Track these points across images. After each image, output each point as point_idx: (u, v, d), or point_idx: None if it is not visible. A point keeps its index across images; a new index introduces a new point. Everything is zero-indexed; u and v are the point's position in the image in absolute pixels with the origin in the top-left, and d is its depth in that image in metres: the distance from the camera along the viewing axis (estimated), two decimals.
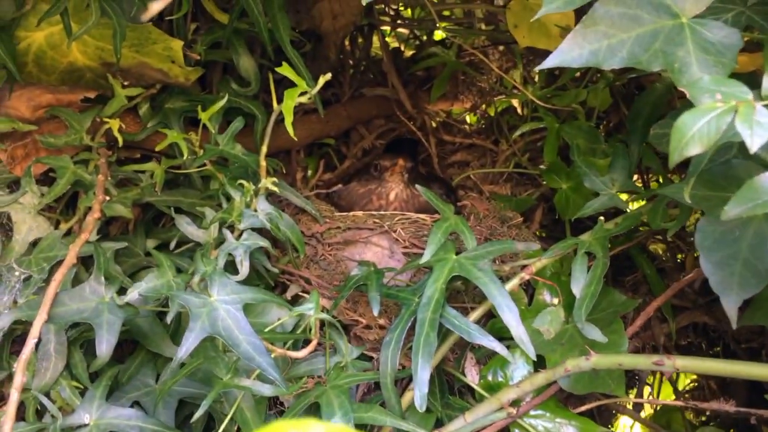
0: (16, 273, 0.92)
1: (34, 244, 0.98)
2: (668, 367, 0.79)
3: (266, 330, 0.92)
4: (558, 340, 0.98)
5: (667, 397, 1.47)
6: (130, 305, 0.88)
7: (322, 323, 0.97)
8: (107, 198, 0.98)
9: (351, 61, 1.51)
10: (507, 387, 0.95)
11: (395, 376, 0.90)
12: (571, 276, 0.93)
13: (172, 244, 1.06)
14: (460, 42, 1.41)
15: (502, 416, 0.92)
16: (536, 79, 1.43)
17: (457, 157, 1.53)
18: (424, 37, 1.59)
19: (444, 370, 1.02)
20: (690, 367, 0.81)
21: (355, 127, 1.51)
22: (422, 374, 0.84)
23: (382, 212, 1.18)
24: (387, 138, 1.55)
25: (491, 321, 1.05)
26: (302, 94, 0.92)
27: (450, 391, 1.03)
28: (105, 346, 0.86)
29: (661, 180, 1.30)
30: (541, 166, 1.34)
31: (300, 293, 1.11)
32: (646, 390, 1.40)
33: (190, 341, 0.79)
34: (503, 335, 0.92)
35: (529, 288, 1.11)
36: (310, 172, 1.40)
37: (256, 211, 0.96)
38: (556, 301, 1.01)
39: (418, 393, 0.84)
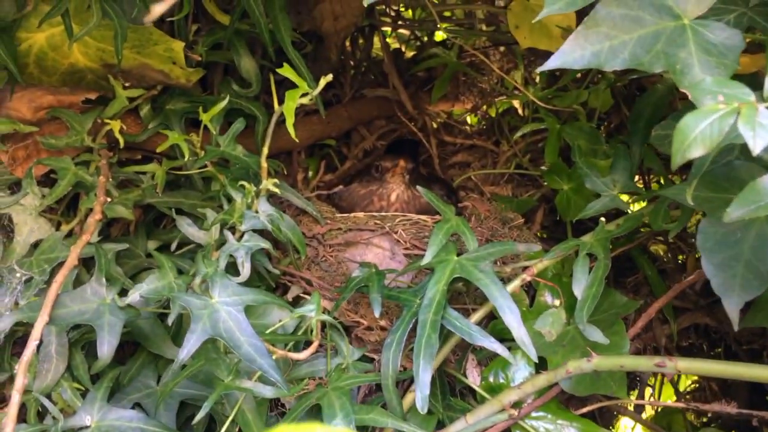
0: (18, 274, 0.92)
1: (36, 245, 0.98)
2: (670, 369, 0.79)
3: (267, 331, 0.92)
4: (559, 342, 0.98)
5: (669, 398, 1.47)
6: (131, 307, 0.88)
7: (324, 325, 0.97)
8: (108, 199, 0.98)
9: (352, 62, 1.51)
10: (508, 388, 0.95)
11: (396, 378, 0.90)
12: (573, 277, 0.93)
13: (173, 246, 1.06)
14: (461, 43, 1.41)
15: (503, 418, 0.92)
16: (537, 80, 1.43)
17: (458, 158, 1.53)
18: (425, 38, 1.59)
19: (445, 371, 1.02)
20: (692, 368, 0.81)
21: (356, 128, 1.51)
22: (424, 376, 0.84)
23: (383, 213, 1.18)
24: (388, 139, 1.55)
25: (492, 322, 1.05)
26: (303, 95, 0.92)
27: (451, 392, 1.03)
28: (106, 347, 0.85)
29: (662, 181, 1.30)
30: (543, 168, 1.34)
31: (301, 294, 1.10)
32: (648, 391, 1.40)
33: (191, 343, 0.79)
34: (504, 337, 0.92)
35: (530, 289, 1.11)
36: (311, 173, 1.40)
37: (257, 212, 0.96)
38: (557, 302, 1.01)
39: (420, 395, 0.84)
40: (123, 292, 0.89)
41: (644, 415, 1.40)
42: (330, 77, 0.91)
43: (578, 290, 0.92)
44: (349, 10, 1.24)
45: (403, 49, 1.63)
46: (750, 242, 0.72)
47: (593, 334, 0.91)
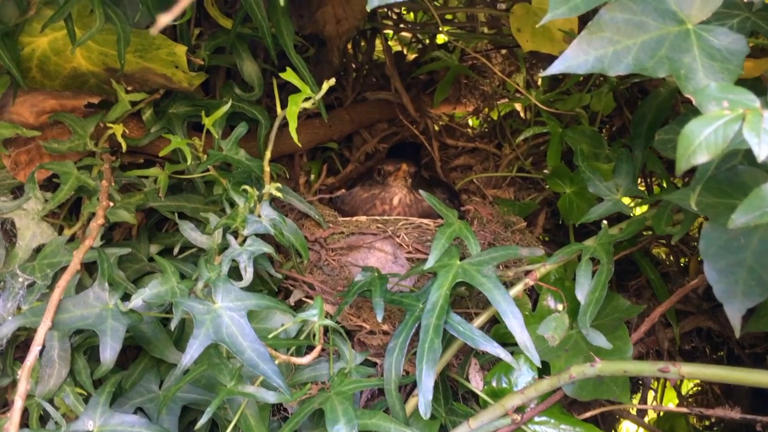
0: (20, 279, 0.92)
1: (38, 250, 0.98)
2: (673, 374, 0.79)
3: (270, 336, 0.92)
4: (562, 346, 0.97)
5: (671, 400, 1.47)
6: (133, 311, 0.88)
7: (326, 329, 0.97)
8: (111, 204, 0.98)
9: (354, 65, 1.51)
10: (511, 393, 0.94)
11: (399, 383, 0.90)
12: (576, 282, 0.92)
13: (176, 250, 1.06)
14: (463, 46, 1.41)
15: (506, 423, 0.92)
16: (539, 83, 1.43)
17: (460, 161, 1.53)
18: (427, 41, 1.59)
19: (448, 376, 1.02)
20: (695, 373, 0.81)
21: (358, 131, 1.51)
22: (426, 381, 0.84)
23: (385, 217, 1.18)
24: (390, 142, 1.55)
25: (495, 326, 1.05)
26: (306, 99, 0.92)
27: (454, 397, 1.03)
28: (109, 352, 0.85)
29: (664, 184, 1.30)
30: (545, 171, 1.34)
31: (303, 298, 1.10)
32: (650, 394, 1.39)
33: (194, 348, 0.79)
34: (507, 341, 0.92)
35: (532, 293, 1.11)
36: (313, 177, 1.40)
37: (259, 216, 0.96)
38: (560, 307, 1.01)
39: (423, 400, 0.84)
40: (125, 297, 0.89)
41: (647, 419, 1.40)
42: (332, 81, 0.91)
43: (581, 295, 0.92)
44: (351, 14, 1.23)
45: (405, 52, 1.63)
46: (753, 248, 0.72)
47: (596, 339, 0.91)
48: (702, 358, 1.38)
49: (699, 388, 1.48)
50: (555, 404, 0.95)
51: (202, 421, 0.82)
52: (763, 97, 0.55)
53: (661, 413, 1.39)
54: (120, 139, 1.01)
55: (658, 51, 0.65)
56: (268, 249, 0.94)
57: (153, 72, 1.04)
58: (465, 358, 1.04)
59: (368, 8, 0.67)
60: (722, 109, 0.54)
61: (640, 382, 1.33)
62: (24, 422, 0.86)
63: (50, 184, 1.05)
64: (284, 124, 0.94)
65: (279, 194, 1.00)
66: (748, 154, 0.54)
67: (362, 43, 1.53)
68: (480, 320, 0.97)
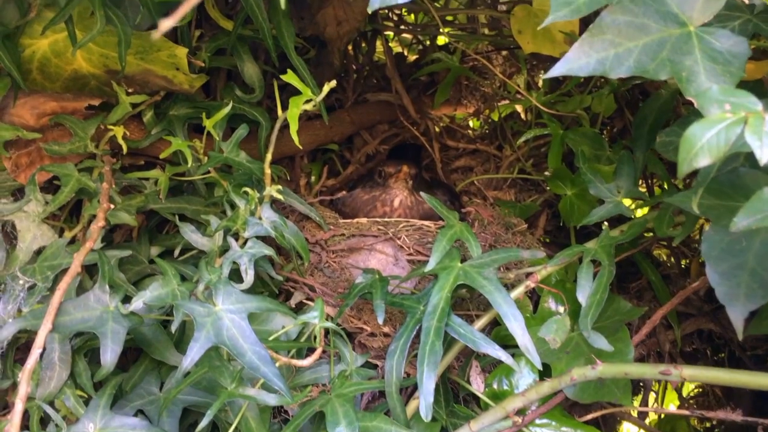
0: (21, 281, 0.92)
1: (39, 252, 0.98)
2: (675, 376, 0.79)
3: (271, 338, 0.92)
4: (563, 349, 0.97)
5: (672, 401, 1.47)
6: (134, 314, 0.88)
7: (327, 331, 0.96)
8: (111, 206, 0.97)
9: (354, 67, 1.50)
10: (512, 395, 0.94)
11: (400, 385, 0.90)
12: (577, 284, 0.92)
13: (177, 251, 1.06)
14: (464, 47, 1.41)
15: (507, 425, 0.92)
16: (540, 84, 1.43)
17: (461, 163, 1.53)
18: (428, 42, 1.59)
19: (449, 378, 1.02)
20: (697, 376, 0.81)
21: (358, 133, 1.51)
22: (427, 384, 0.84)
23: (386, 219, 1.18)
24: (391, 143, 1.55)
25: (496, 329, 1.05)
26: (307, 101, 0.92)
27: (455, 399, 1.02)
28: (110, 355, 0.85)
29: (665, 186, 1.30)
30: (546, 173, 1.34)
31: (304, 300, 1.10)
32: (651, 396, 1.39)
33: (194, 351, 0.79)
34: (508, 343, 0.92)
35: (533, 294, 1.11)
36: (313, 178, 1.40)
37: (260, 219, 0.96)
38: (561, 309, 1.01)
39: (424, 403, 0.84)
40: (126, 299, 0.89)
41: (648, 420, 1.39)
42: (333, 83, 0.91)
43: (582, 297, 0.91)
44: (351, 15, 1.23)
45: (406, 53, 1.63)
46: (755, 251, 0.72)
47: (598, 341, 0.91)
48: (703, 360, 1.38)
49: (700, 390, 1.48)
50: (556, 406, 0.95)
51: (203, 423, 0.81)
52: (764, 99, 0.55)
53: (662, 415, 1.39)
54: (121, 141, 1.01)
55: (659, 53, 0.65)
56: (269, 251, 0.94)
57: (154, 74, 1.04)
58: (466, 360, 1.04)
59: (369, 10, 0.67)
60: (724, 112, 0.54)
61: (641, 384, 1.33)
62: (24, 425, 0.86)
63: (51, 186, 1.05)
64: (285, 126, 0.94)
65: (280, 196, 1.00)
66: (750, 157, 0.54)
67: (363, 45, 1.53)
68: (481, 322, 0.97)
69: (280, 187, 1.00)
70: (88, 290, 0.89)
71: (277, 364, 0.83)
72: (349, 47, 1.45)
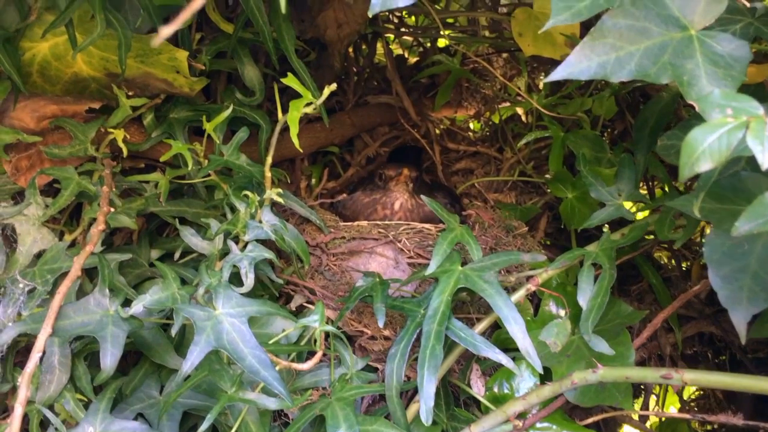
0: (21, 285, 0.91)
1: (39, 255, 0.97)
2: (676, 380, 0.79)
3: (271, 341, 0.91)
4: (564, 352, 0.97)
5: (673, 404, 1.46)
6: (134, 318, 0.88)
7: (327, 334, 0.96)
8: (112, 209, 0.97)
9: (355, 69, 1.50)
10: (513, 399, 0.94)
11: (401, 388, 0.90)
12: (578, 287, 0.92)
13: (177, 254, 1.06)
14: (464, 50, 1.41)
15: (508, 429, 0.91)
16: (541, 86, 1.43)
17: (462, 165, 1.53)
18: (428, 45, 1.58)
19: (449, 381, 1.02)
20: (698, 380, 0.80)
21: (359, 135, 1.50)
22: (428, 388, 0.84)
23: (386, 222, 1.18)
24: (391, 146, 1.55)
25: (497, 332, 1.05)
26: (307, 104, 0.91)
27: (455, 402, 1.02)
28: (110, 359, 0.85)
29: (666, 188, 1.30)
30: (547, 175, 1.34)
31: (305, 304, 1.10)
32: (652, 399, 1.39)
33: (195, 355, 0.79)
34: (509, 346, 0.92)
35: (534, 297, 1.11)
36: (314, 181, 1.40)
37: (261, 222, 0.96)
38: (562, 312, 1.01)
39: (424, 406, 0.84)
40: (126, 303, 0.89)
41: (649, 423, 1.39)
42: (334, 86, 0.91)
43: (583, 300, 0.91)
44: (352, 18, 1.23)
45: (407, 55, 1.63)
46: (757, 254, 0.71)
47: (598, 345, 0.91)
48: (704, 363, 1.38)
49: (701, 392, 1.47)
50: (557, 410, 0.95)
51: (203, 427, 0.81)
52: (766, 103, 0.55)
53: (663, 418, 1.38)
54: (121, 144, 1.01)
55: (661, 57, 0.65)
56: (269, 255, 0.94)
57: (154, 77, 1.04)
58: (467, 363, 1.04)
59: (370, 14, 0.67)
60: (726, 117, 0.54)
61: (642, 387, 1.32)
62: (24, 428, 0.86)
63: (51, 190, 1.05)
64: (285, 129, 0.93)
65: (280, 199, 1.00)
66: (751, 160, 0.54)
67: (363, 47, 1.53)
68: (482, 326, 0.97)
69: (280, 190, 0.99)
70: (88, 294, 0.89)
71: (277, 368, 0.83)
72: (350, 50, 1.45)
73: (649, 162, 1.03)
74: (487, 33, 1.49)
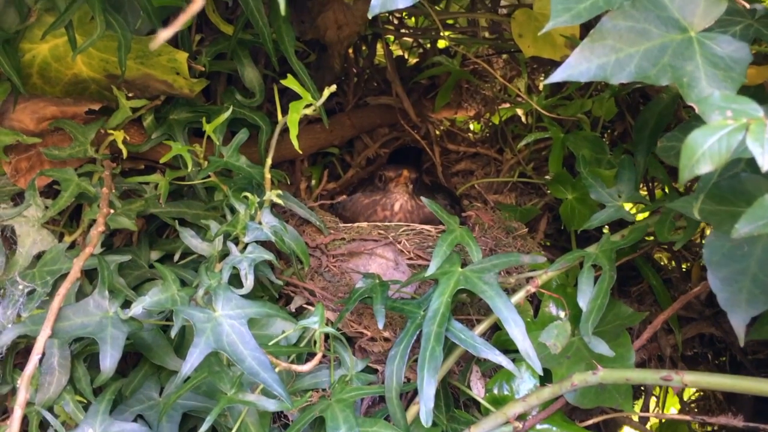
0: (20, 286, 0.91)
1: (38, 257, 0.97)
2: (676, 382, 0.79)
3: (271, 343, 0.91)
4: (564, 354, 0.97)
5: (673, 405, 1.46)
6: (134, 319, 0.88)
7: (327, 336, 0.96)
8: (111, 211, 0.97)
9: (355, 70, 1.50)
10: (513, 401, 0.94)
11: (400, 390, 0.90)
12: (578, 289, 0.92)
13: (177, 256, 1.06)
14: (464, 51, 1.41)
15: (508, 430, 0.91)
16: (541, 88, 1.43)
17: (462, 166, 1.53)
18: (428, 46, 1.58)
19: (449, 383, 1.02)
20: (698, 382, 0.80)
21: (359, 136, 1.50)
22: (428, 390, 0.84)
23: (386, 223, 1.18)
24: (391, 147, 1.55)
25: (497, 333, 1.05)
26: (307, 106, 0.91)
27: (455, 404, 1.02)
28: (109, 361, 0.85)
29: (666, 190, 1.30)
30: (547, 177, 1.34)
31: (304, 305, 1.10)
32: (652, 400, 1.39)
33: (194, 357, 0.79)
34: (509, 347, 0.92)
35: (534, 299, 1.11)
36: (314, 182, 1.40)
37: (260, 223, 0.96)
38: (562, 314, 1.00)
39: (424, 408, 0.83)
40: (126, 304, 0.89)
41: (649, 424, 1.39)
42: (333, 88, 0.91)
43: (583, 302, 0.91)
44: (352, 19, 1.23)
45: (406, 56, 1.63)
46: (757, 256, 0.71)
47: (598, 346, 0.91)
48: (704, 364, 1.38)
49: (701, 394, 1.47)
50: (557, 412, 0.95)
51: (203, 429, 0.81)
52: (766, 105, 0.55)
53: (664, 419, 1.38)
54: (121, 146, 1.01)
55: (660, 59, 0.65)
56: (269, 256, 0.94)
57: (154, 78, 1.04)
58: (466, 365, 1.04)
59: (370, 15, 0.67)
60: (726, 119, 0.54)
61: (643, 388, 1.32)
62: (24, 430, 0.86)
63: (50, 191, 1.05)
64: (285, 130, 0.93)
65: (280, 201, 1.00)
66: (751, 162, 0.53)
67: (363, 48, 1.53)
68: (481, 327, 0.97)
69: (280, 191, 0.99)
70: (88, 295, 0.89)
71: (277, 370, 0.83)
72: (350, 51, 1.45)
73: (649, 163, 1.03)
74: (487, 34, 1.49)
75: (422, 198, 1.02)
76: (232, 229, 0.95)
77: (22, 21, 0.96)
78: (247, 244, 0.95)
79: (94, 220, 0.96)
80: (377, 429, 0.87)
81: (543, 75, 1.45)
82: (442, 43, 1.55)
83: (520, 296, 0.95)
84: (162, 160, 1.03)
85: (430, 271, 0.93)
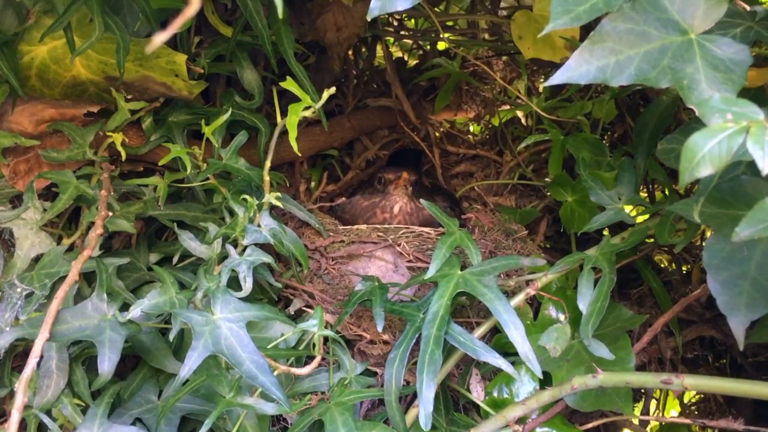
0: (18, 289, 0.91)
1: (37, 259, 0.97)
2: (676, 385, 0.78)
3: (269, 346, 0.91)
4: (564, 357, 0.97)
5: (673, 407, 1.46)
6: (132, 322, 0.88)
7: (326, 338, 0.96)
8: (110, 213, 0.97)
9: (354, 72, 1.50)
10: (513, 404, 0.94)
11: (400, 393, 0.90)
12: (578, 292, 0.92)
13: (175, 258, 1.05)
14: (464, 53, 1.41)
15: None
16: (541, 89, 1.42)
17: (461, 168, 1.53)
18: (428, 48, 1.58)
19: (449, 386, 1.02)
20: (698, 385, 0.80)
21: (358, 138, 1.50)
22: (427, 393, 0.83)
23: (386, 226, 1.17)
24: (391, 149, 1.54)
25: (496, 336, 1.04)
26: (306, 108, 0.91)
27: (455, 407, 1.02)
28: (107, 364, 0.85)
29: (666, 192, 1.29)
30: (546, 179, 1.33)
31: (303, 308, 1.10)
32: (653, 403, 1.39)
33: (192, 360, 0.78)
34: (508, 351, 0.92)
35: (534, 301, 1.10)
36: (313, 184, 1.40)
37: (259, 226, 0.96)
38: (562, 317, 1.00)
39: (423, 412, 0.83)
40: (124, 307, 0.88)
41: (649, 427, 1.39)
42: (333, 90, 0.91)
43: (583, 305, 0.91)
44: (351, 21, 1.23)
45: (406, 58, 1.63)
46: (757, 260, 0.71)
47: (598, 349, 0.91)
48: (704, 367, 1.37)
49: (702, 396, 1.47)
50: (557, 415, 0.94)
51: None
52: (766, 107, 0.55)
53: (664, 422, 1.38)
54: (119, 148, 1.01)
55: (660, 61, 0.64)
56: (267, 259, 0.93)
57: (153, 80, 1.03)
58: (466, 368, 1.04)
59: (369, 17, 0.67)
60: (726, 122, 0.54)
61: (643, 391, 1.32)
62: None
63: (49, 194, 1.04)
64: (284, 132, 0.93)
65: (279, 203, 0.99)
66: (751, 165, 0.53)
67: (363, 50, 1.53)
68: (481, 330, 0.96)
69: (279, 194, 0.99)
70: (86, 298, 0.89)
71: (276, 373, 0.82)
72: (349, 52, 1.45)
73: (650, 165, 1.03)
74: (486, 36, 1.49)
75: (421, 200, 1.02)
76: (231, 232, 0.95)
77: (20, 23, 0.96)
78: (245, 247, 0.95)
79: (93, 223, 0.96)
80: None
81: (543, 77, 1.44)
82: (441, 45, 1.54)
83: (519, 299, 0.95)
84: (161, 163, 1.03)
85: (430, 273, 0.92)
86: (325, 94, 0.91)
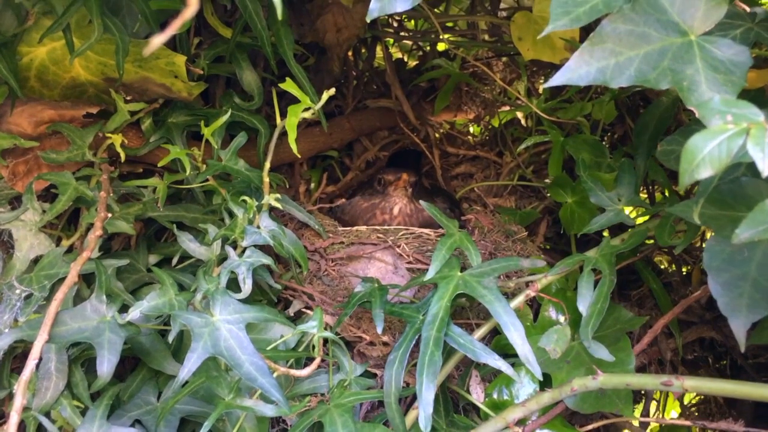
0: (17, 291, 0.91)
1: (36, 261, 0.97)
2: (676, 387, 0.78)
3: (269, 347, 0.91)
4: (564, 358, 0.97)
5: (674, 409, 1.46)
6: (131, 324, 0.88)
7: (326, 340, 0.96)
8: (109, 214, 0.97)
9: (354, 73, 1.50)
10: (512, 405, 0.93)
11: (399, 395, 0.89)
12: (578, 293, 0.92)
13: (175, 260, 1.05)
14: (464, 54, 1.41)
15: None
16: (540, 91, 1.42)
17: (461, 169, 1.53)
18: (428, 49, 1.58)
19: (449, 387, 1.01)
20: (699, 387, 0.80)
21: (358, 139, 1.50)
22: (427, 395, 0.83)
23: (386, 227, 1.17)
24: (390, 150, 1.54)
25: (496, 337, 1.04)
26: (306, 109, 0.91)
27: (455, 409, 1.02)
28: (106, 365, 0.85)
29: (666, 193, 1.29)
30: (546, 180, 1.33)
31: (303, 309, 1.10)
32: (653, 404, 1.38)
33: (192, 362, 0.78)
34: (508, 352, 0.91)
35: (534, 303, 1.10)
36: (313, 185, 1.40)
37: (259, 227, 0.96)
38: (562, 318, 1.00)
39: (423, 414, 0.83)
40: (123, 308, 0.88)
41: (649, 429, 1.38)
42: (332, 91, 0.91)
43: (583, 306, 0.91)
44: (351, 22, 1.23)
45: (406, 59, 1.63)
46: (757, 261, 0.71)
47: (598, 351, 0.90)
48: (705, 368, 1.37)
49: (702, 397, 1.47)
50: (557, 417, 0.94)
51: None
52: (766, 109, 0.54)
53: (664, 424, 1.38)
54: (119, 149, 1.01)
55: (660, 62, 0.64)
56: (267, 260, 0.93)
57: (152, 81, 1.03)
58: (466, 369, 1.03)
59: (369, 18, 0.67)
60: (726, 123, 0.54)
61: (643, 392, 1.32)
62: None
63: (48, 195, 1.04)
64: (284, 133, 0.93)
65: (278, 204, 0.99)
66: (752, 166, 0.53)
67: (363, 51, 1.53)
68: (481, 332, 0.96)
69: (278, 195, 0.99)
70: (86, 300, 0.89)
71: (275, 374, 0.82)
72: (349, 54, 1.45)
73: (649, 167, 1.03)
74: (486, 37, 1.49)
75: (421, 202, 1.02)
76: (230, 233, 0.95)
77: (19, 24, 0.95)
78: (245, 248, 0.95)
79: (92, 224, 0.96)
80: None
81: (543, 78, 1.44)
82: (441, 46, 1.54)
83: (519, 300, 0.95)
84: (160, 164, 1.03)
85: (429, 275, 0.92)
86: (325, 95, 0.91)
